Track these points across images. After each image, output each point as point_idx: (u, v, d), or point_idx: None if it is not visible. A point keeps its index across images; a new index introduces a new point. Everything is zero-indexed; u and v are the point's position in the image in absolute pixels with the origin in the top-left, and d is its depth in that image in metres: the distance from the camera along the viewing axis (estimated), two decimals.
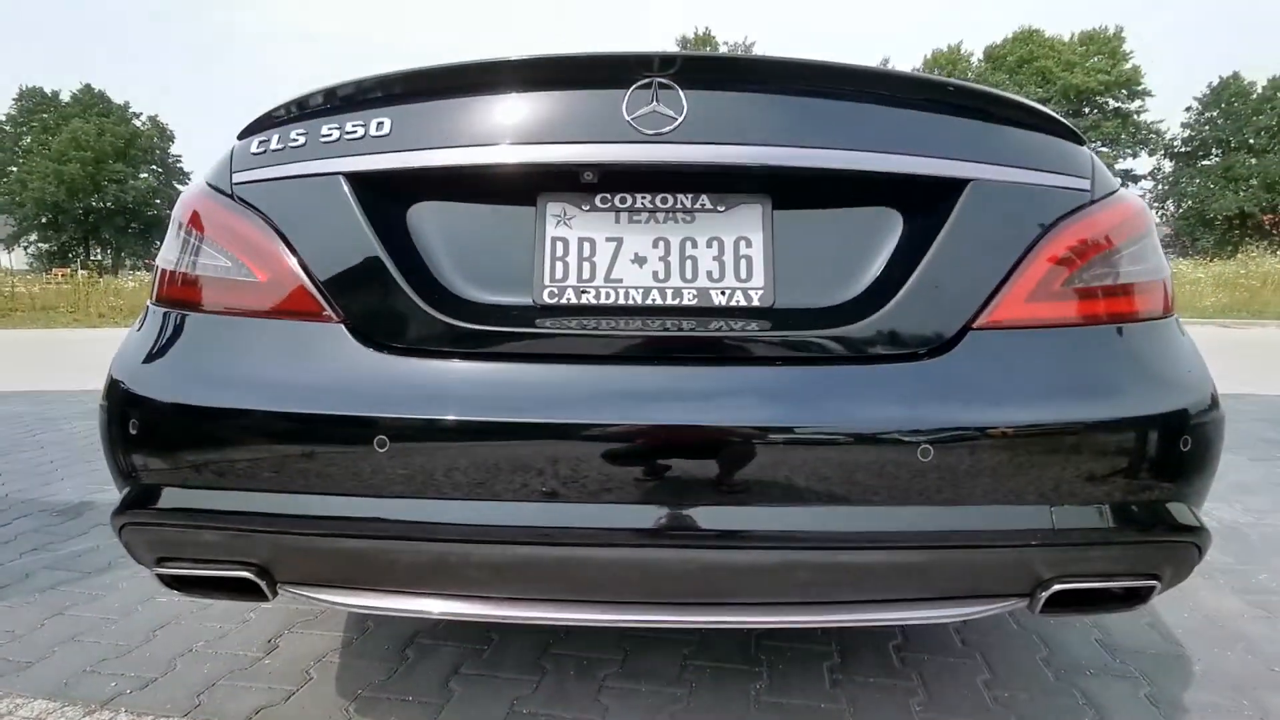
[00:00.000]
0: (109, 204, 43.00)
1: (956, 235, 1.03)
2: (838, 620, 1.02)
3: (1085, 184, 1.10)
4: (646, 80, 1.03)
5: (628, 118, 1.02)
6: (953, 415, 0.95)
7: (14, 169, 42.05)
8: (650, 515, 0.93)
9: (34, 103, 44.16)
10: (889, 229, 1.06)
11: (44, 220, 42.91)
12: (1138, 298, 1.09)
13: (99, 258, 45.35)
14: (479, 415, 0.94)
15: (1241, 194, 35.59)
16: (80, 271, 23.44)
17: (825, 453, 0.94)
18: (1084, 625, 1.74)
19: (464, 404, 0.95)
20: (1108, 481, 0.98)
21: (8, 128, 43.20)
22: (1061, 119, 1.14)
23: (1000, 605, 1.03)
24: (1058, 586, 1.01)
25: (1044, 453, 0.96)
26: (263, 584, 1.02)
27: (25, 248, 45.82)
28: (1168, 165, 41.21)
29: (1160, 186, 41.44)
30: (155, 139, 45.86)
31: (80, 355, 7.75)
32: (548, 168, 1.04)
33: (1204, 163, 38.69)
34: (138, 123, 45.45)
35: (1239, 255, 18.50)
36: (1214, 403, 1.06)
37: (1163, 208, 41.35)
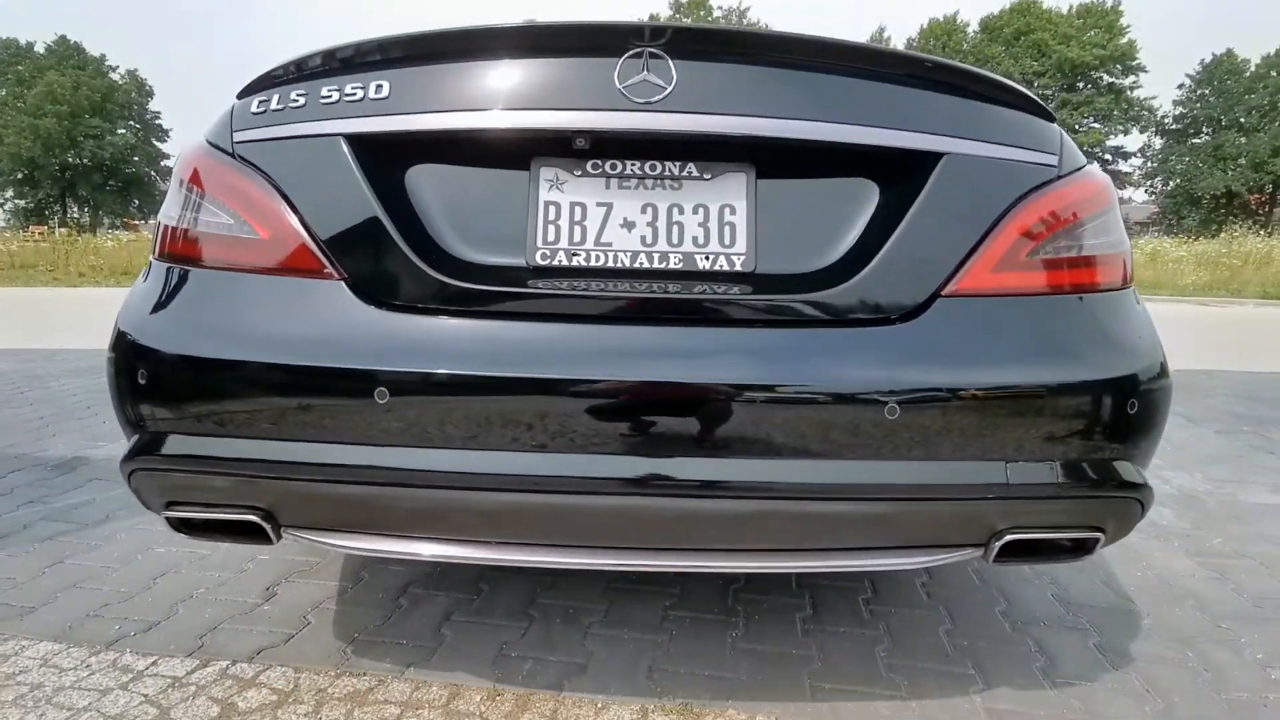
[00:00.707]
0: (86, 160, 42.04)
1: (929, 206, 1.09)
2: (809, 567, 1.09)
3: (1053, 159, 1.15)
4: (638, 50, 1.07)
5: (619, 86, 1.06)
6: (919, 377, 1.02)
7: None
8: (634, 466, 0.99)
9: (8, 54, 42.84)
10: (866, 199, 1.11)
11: (19, 176, 41.96)
12: (1098, 269, 1.16)
13: (76, 216, 44.52)
14: (473, 370, 0.99)
15: (1230, 173, 35.78)
16: (60, 230, 23.04)
17: (799, 410, 1.00)
18: (1041, 581, 1.84)
19: (459, 359, 1.00)
20: (1060, 441, 1.05)
21: None
22: (1033, 96, 1.18)
23: (958, 554, 1.11)
24: (1010, 537, 1.09)
25: (1002, 414, 1.03)
26: (268, 527, 1.08)
27: (1, 205, 44.88)
28: (1158, 142, 41.32)
29: (1150, 164, 41.58)
30: (133, 93, 44.71)
31: (62, 314, 7.69)
32: (541, 133, 1.08)
33: (1194, 141, 38.80)
34: (115, 76, 44.25)
35: (1222, 234, 18.70)
36: (1162, 371, 1.13)
37: (1151, 185, 41.56)
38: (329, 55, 1.14)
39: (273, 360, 1.02)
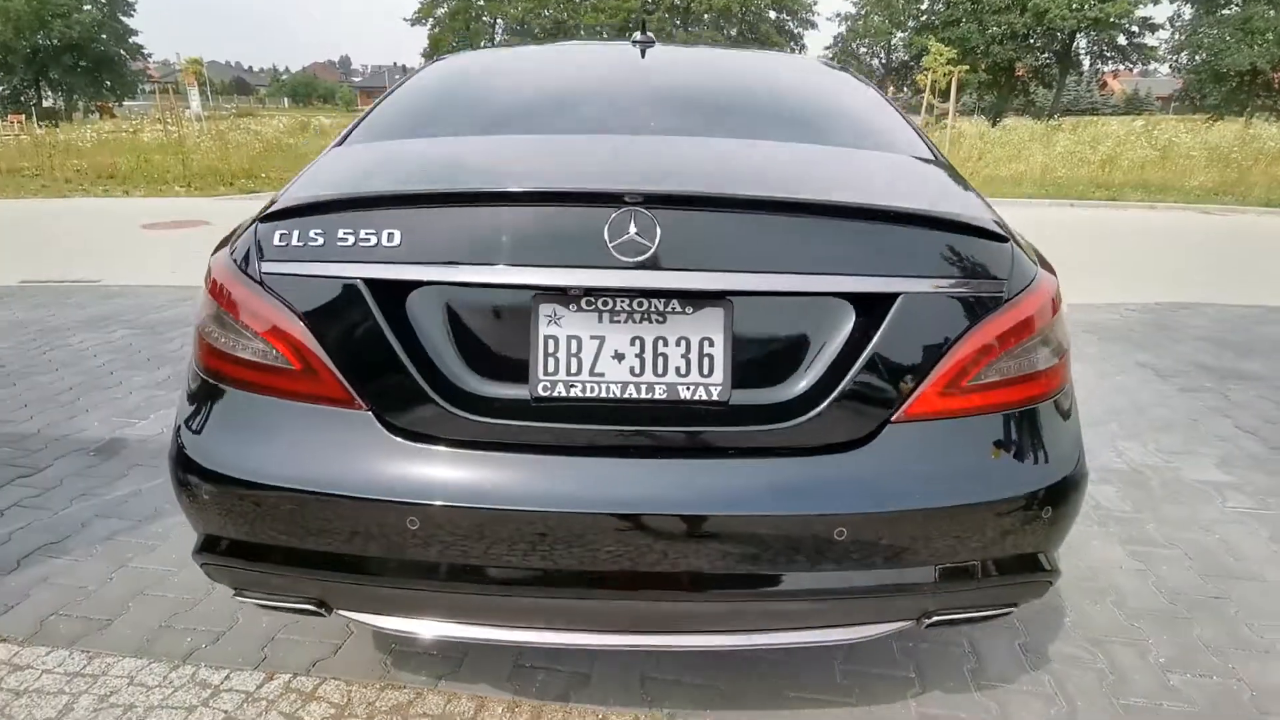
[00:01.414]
0: (55, 41, 39.82)
1: (884, 342, 1.23)
2: (769, 644, 1.32)
3: (1002, 285, 1.28)
4: (626, 209, 1.18)
5: (609, 244, 1.17)
6: (863, 502, 1.20)
7: None
8: (628, 577, 1.20)
9: None
10: (830, 335, 1.25)
11: None
12: (1034, 384, 1.31)
13: (51, 101, 42.71)
14: (488, 503, 1.17)
15: (1256, 48, 34.02)
16: (39, 125, 22.26)
17: (757, 531, 1.18)
18: None
19: (475, 492, 1.18)
20: (984, 545, 1.25)
21: None
22: (987, 225, 1.29)
23: (896, 627, 1.33)
24: (937, 617, 1.31)
25: (934, 528, 1.22)
26: (321, 611, 1.30)
27: None
28: (1188, 12, 39.00)
29: (1177, 35, 39.46)
30: None
31: (57, 234, 7.68)
32: (539, 285, 1.20)
33: (1224, 12, 36.60)
34: None
35: (1244, 120, 18.21)
36: (1078, 469, 1.31)
37: (1176, 60, 39.66)
38: (346, 202, 1.24)
39: (313, 489, 1.19)
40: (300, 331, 1.24)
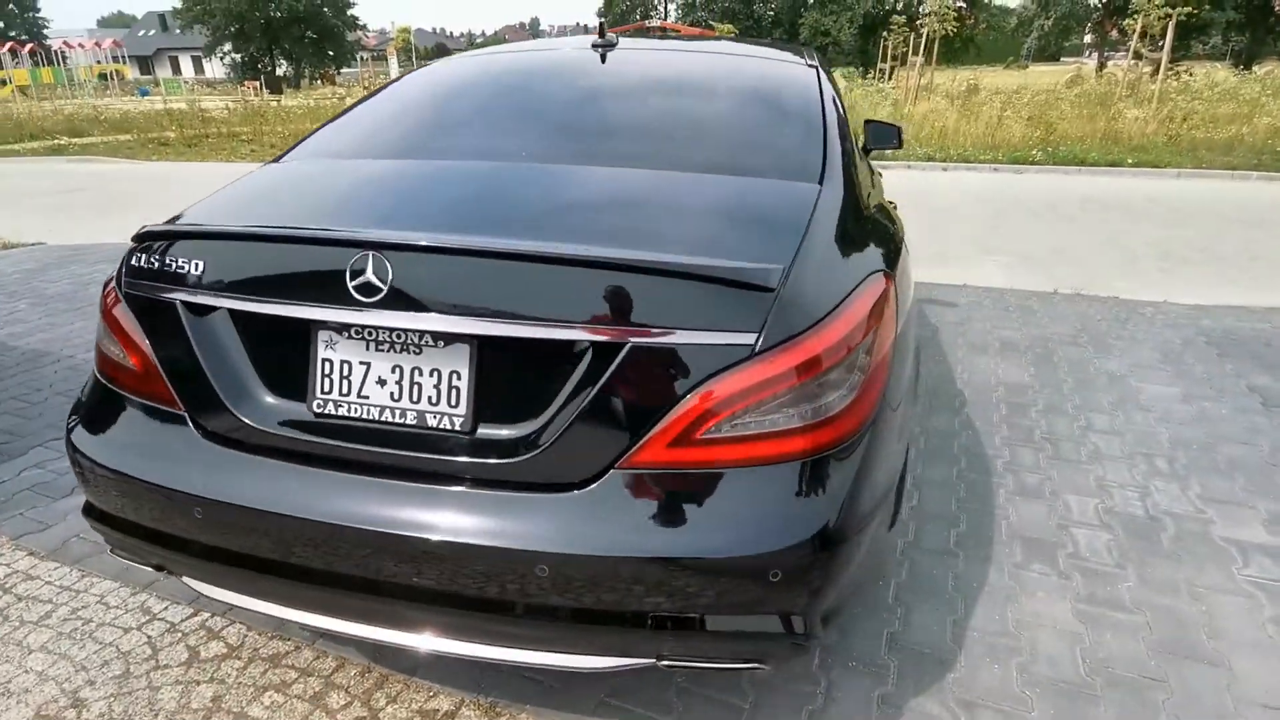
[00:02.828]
0: (283, 13, 45.18)
1: (612, 390, 1.23)
2: (513, 660, 1.36)
3: (750, 338, 1.22)
4: (364, 252, 1.27)
5: (350, 284, 1.28)
6: (565, 543, 1.22)
7: None
8: (370, 590, 1.32)
9: None
10: (565, 379, 1.26)
11: (233, 30, 46.09)
12: (792, 440, 1.25)
13: (283, 70, 48.68)
14: (255, 504, 1.33)
15: None
16: (265, 91, 25.63)
17: (471, 557, 1.25)
18: (889, 615, 1.99)
19: (249, 494, 1.35)
20: (704, 600, 1.23)
21: None
22: (741, 276, 1.23)
23: (635, 662, 1.35)
24: (670, 661, 1.31)
25: (644, 576, 1.22)
26: (166, 573, 1.57)
27: (222, 58, 49.87)
28: None
29: None
30: None
31: None
32: (301, 319, 1.34)
33: None
34: None
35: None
36: (815, 537, 1.23)
37: None
38: (170, 233, 1.44)
39: (138, 475, 1.43)
40: (142, 340, 1.47)
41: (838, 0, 34.35)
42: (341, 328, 1.35)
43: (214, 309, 1.41)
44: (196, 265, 1.41)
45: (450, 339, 1.31)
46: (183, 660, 1.84)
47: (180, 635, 1.92)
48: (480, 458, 1.30)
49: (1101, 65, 30.68)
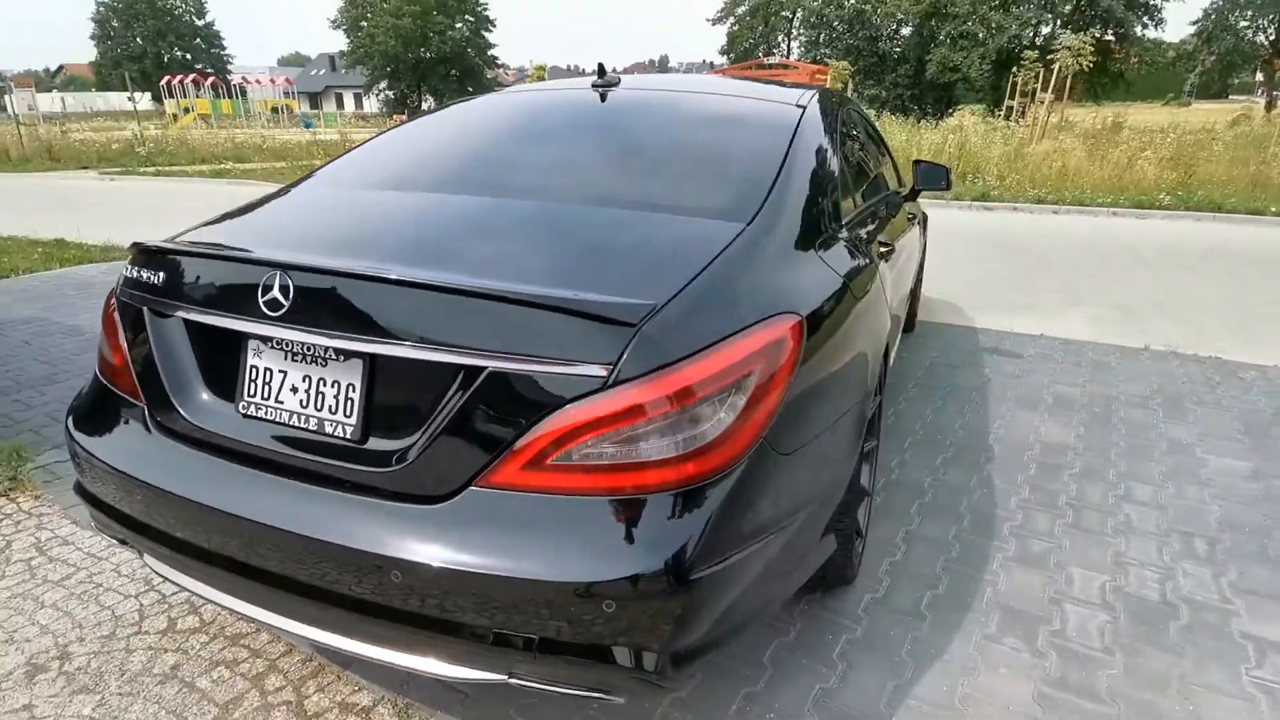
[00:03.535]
0: (432, 54, 49.16)
1: (471, 412, 1.30)
2: (373, 657, 1.43)
3: (603, 371, 1.25)
4: (273, 270, 1.42)
5: (260, 300, 1.43)
6: (413, 551, 1.28)
7: (364, 23, 49.48)
8: (260, 578, 1.44)
9: None
10: (437, 399, 1.34)
11: (388, 70, 50.57)
12: (646, 472, 1.27)
13: (428, 105, 52.75)
14: (201, 496, 1.48)
15: None
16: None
17: (339, 557, 1.34)
18: (818, 674, 1.90)
19: (178, 483, 1.51)
20: (542, 622, 1.26)
21: None
22: (601, 311, 1.27)
23: (486, 676, 1.38)
24: (518, 680, 1.34)
25: (485, 592, 1.26)
26: (129, 549, 1.77)
27: (376, 95, 54.77)
28: None
29: None
30: None
31: None
32: (224, 329, 1.51)
33: None
34: None
35: None
36: (657, 578, 1.23)
37: None
38: (152, 250, 1.65)
39: (102, 458, 1.64)
40: (122, 342, 1.69)
41: (969, 36, 33.15)
42: (265, 339, 1.50)
43: (170, 316, 1.60)
44: (161, 277, 1.62)
45: (348, 355, 1.43)
46: (161, 629, 2.05)
47: (166, 607, 2.14)
48: (364, 465, 1.40)
49: (1270, 104, 27.82)
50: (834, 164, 2.18)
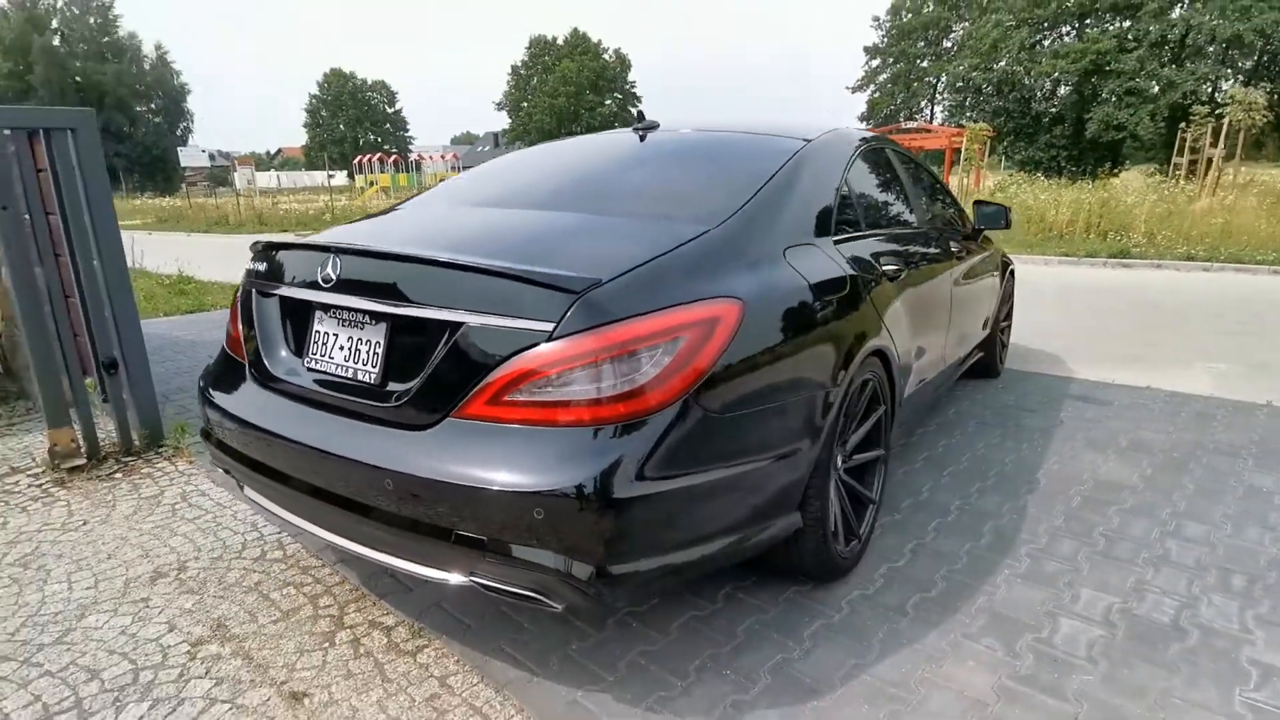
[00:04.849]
0: (582, 128, 53.10)
1: (451, 358, 1.66)
2: (381, 560, 1.78)
3: (547, 325, 1.58)
4: (329, 254, 1.88)
5: (319, 275, 1.90)
6: (403, 465, 1.64)
7: (525, 104, 54.55)
8: (317, 494, 1.85)
9: (539, 48, 55.94)
10: (431, 349, 1.72)
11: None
12: (576, 409, 1.57)
13: None
14: (271, 429, 1.94)
15: None
16: None
17: (356, 471, 1.72)
18: (784, 648, 2.03)
19: (269, 421, 1.98)
20: (492, 526, 1.57)
21: (521, 71, 55.86)
22: (559, 284, 1.60)
23: (454, 577, 1.67)
24: (477, 579, 1.64)
25: (453, 499, 1.59)
26: (235, 481, 2.27)
27: None
28: None
29: None
30: (617, 69, 54.15)
31: None
32: (298, 300, 1.99)
33: None
34: (606, 57, 54.13)
35: None
36: (580, 494, 1.50)
37: None
38: (266, 245, 2.19)
39: (220, 404, 2.15)
40: (239, 317, 2.24)
41: (1137, 92, 31.09)
42: (325, 306, 1.97)
43: (271, 295, 2.12)
44: (265, 267, 2.15)
45: (377, 317, 1.85)
46: (255, 556, 2.54)
47: (262, 542, 2.64)
48: (380, 403, 1.80)
49: None
50: (827, 187, 2.41)
